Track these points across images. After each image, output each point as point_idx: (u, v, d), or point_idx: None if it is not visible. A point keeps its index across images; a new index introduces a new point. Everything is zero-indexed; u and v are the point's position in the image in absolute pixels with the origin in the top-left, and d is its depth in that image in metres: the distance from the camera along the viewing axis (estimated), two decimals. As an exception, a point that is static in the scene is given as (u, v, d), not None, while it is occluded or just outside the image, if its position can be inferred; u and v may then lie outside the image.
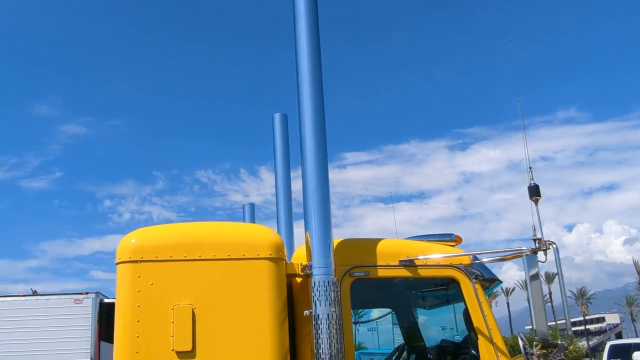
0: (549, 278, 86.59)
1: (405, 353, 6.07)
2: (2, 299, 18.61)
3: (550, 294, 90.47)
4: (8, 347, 17.46)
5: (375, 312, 6.42)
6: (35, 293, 19.05)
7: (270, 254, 4.75)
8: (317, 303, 4.64)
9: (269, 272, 4.71)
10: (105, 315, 18.39)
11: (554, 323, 68.36)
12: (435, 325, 6.01)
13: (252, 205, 9.76)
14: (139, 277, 4.68)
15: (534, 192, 4.99)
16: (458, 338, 5.64)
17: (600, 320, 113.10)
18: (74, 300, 18.09)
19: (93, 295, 18.14)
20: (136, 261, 4.71)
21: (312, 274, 4.74)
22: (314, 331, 4.62)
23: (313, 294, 4.67)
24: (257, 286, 4.68)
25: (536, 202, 4.95)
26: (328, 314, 4.60)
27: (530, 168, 5.09)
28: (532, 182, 5.04)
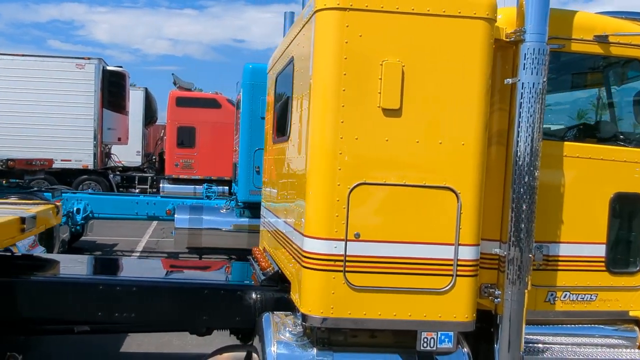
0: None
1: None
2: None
3: None
4: (8, 107, 16.89)
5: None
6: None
7: (487, 14, 4.41)
8: (526, 71, 4.48)
9: (484, 34, 4.42)
10: (108, 83, 17.78)
11: None
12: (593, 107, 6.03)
13: None
14: (347, 27, 4.31)
15: None
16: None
17: None
18: (76, 65, 17.22)
19: (96, 61, 17.27)
20: (345, 9, 4.30)
21: (524, 39, 4.51)
22: (519, 100, 4.52)
23: (524, 62, 4.48)
24: (471, 48, 4.41)
25: None
26: (537, 83, 4.48)
27: None
28: None
